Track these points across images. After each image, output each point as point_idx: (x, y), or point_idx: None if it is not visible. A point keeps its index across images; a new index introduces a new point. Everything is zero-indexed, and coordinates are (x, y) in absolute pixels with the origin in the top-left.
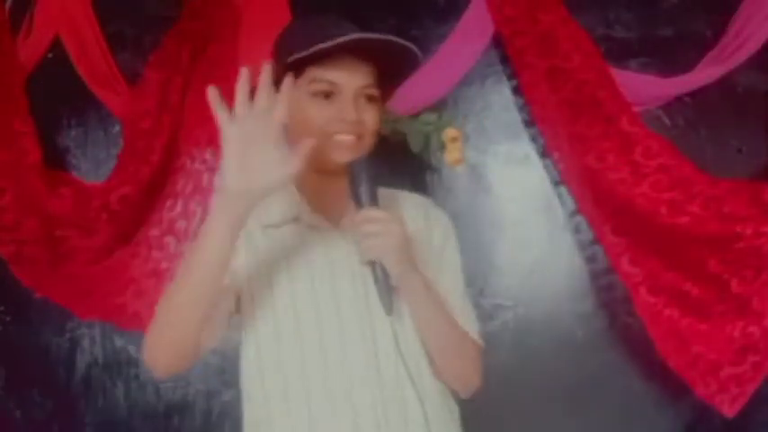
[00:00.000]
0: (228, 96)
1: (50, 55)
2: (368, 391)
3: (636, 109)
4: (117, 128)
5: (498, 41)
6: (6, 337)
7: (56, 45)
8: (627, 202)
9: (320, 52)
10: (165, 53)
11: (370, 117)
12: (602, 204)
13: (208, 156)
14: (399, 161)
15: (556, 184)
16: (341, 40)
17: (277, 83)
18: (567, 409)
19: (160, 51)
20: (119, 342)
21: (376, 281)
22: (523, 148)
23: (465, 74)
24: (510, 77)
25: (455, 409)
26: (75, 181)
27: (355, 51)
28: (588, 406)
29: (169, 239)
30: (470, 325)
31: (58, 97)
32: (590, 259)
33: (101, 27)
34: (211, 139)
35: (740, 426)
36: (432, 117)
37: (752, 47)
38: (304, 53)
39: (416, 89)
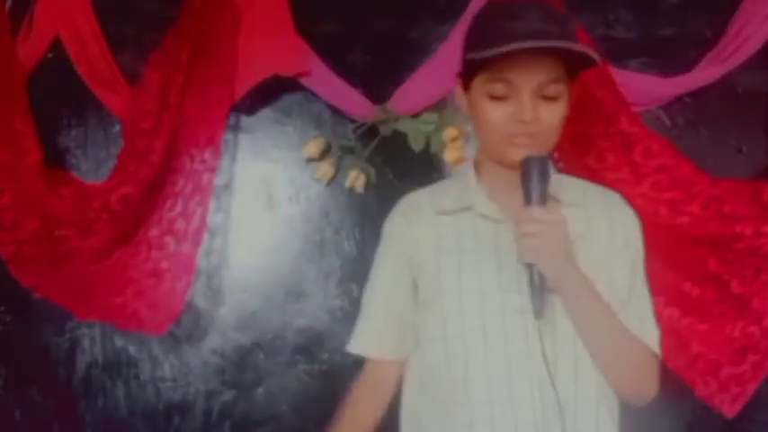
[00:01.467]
0: (229, 96)
1: (50, 55)
2: (526, 384)
3: (636, 109)
4: (117, 128)
5: None
6: (6, 337)
7: (56, 45)
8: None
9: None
10: (165, 53)
11: (549, 114)
12: None
13: (208, 156)
14: (399, 161)
15: None
16: (505, 48)
17: (464, 73)
18: None
19: (160, 51)
20: (119, 342)
21: (530, 283)
22: None
23: None
24: None
25: (610, 418)
26: (75, 181)
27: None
28: None
29: (169, 239)
30: (647, 331)
31: (58, 97)
32: None
33: (101, 27)
34: (211, 139)
35: (740, 426)
36: (432, 117)
37: (752, 47)
38: (474, 55)
39: (416, 89)
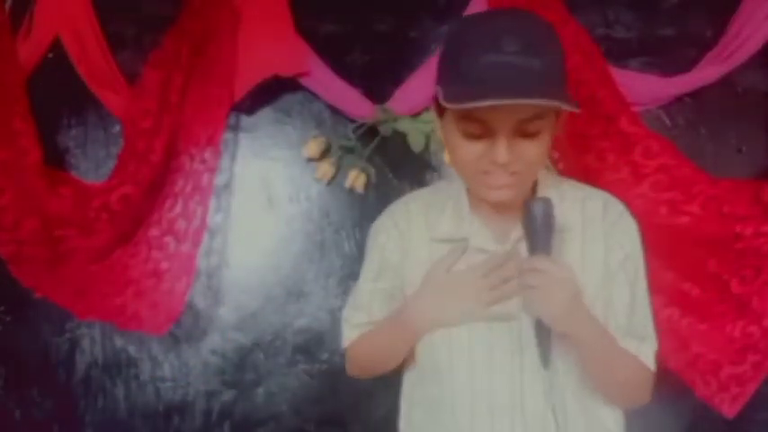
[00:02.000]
0: (228, 96)
1: (50, 55)
2: (508, 420)
3: (636, 109)
4: (117, 128)
5: None
6: (6, 337)
7: (56, 45)
8: (626, 201)
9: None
10: (164, 53)
11: (530, 152)
12: None
13: (208, 155)
14: (399, 161)
15: None
16: (478, 104)
17: (437, 101)
18: None
19: (160, 51)
20: (119, 342)
21: (536, 334)
22: None
23: None
24: None
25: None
26: (75, 181)
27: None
28: None
29: (169, 239)
30: (644, 347)
31: (58, 97)
32: None
33: (101, 27)
34: (211, 138)
35: (740, 426)
36: (432, 117)
37: (752, 47)
38: (446, 103)
39: (416, 89)
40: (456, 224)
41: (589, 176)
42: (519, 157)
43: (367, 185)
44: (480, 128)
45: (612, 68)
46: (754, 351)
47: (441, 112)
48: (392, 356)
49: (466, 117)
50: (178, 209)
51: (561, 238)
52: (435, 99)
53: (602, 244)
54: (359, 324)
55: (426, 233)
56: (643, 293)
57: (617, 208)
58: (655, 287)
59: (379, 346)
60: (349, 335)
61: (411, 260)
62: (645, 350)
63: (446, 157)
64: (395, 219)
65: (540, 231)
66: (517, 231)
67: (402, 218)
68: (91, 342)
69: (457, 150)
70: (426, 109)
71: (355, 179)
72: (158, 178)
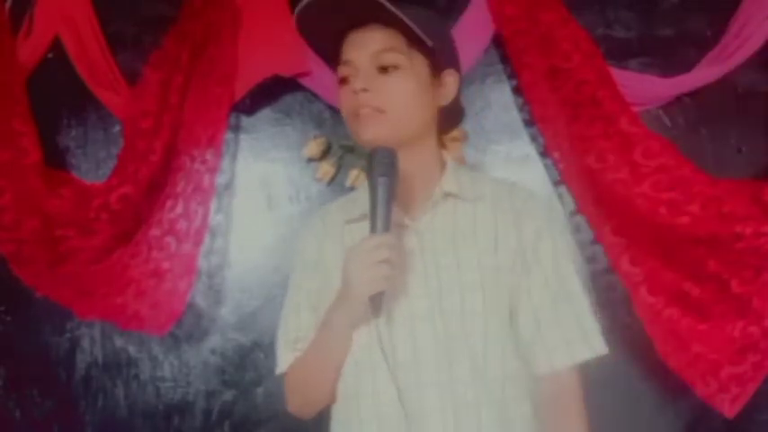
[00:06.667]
0: (229, 96)
1: (50, 55)
2: (434, 391)
3: (636, 109)
4: (117, 128)
5: (498, 41)
6: (6, 337)
7: (56, 45)
8: (627, 202)
9: (333, 35)
10: (164, 53)
11: (390, 85)
12: (602, 204)
13: (208, 156)
14: None
15: (556, 183)
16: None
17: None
18: None
19: (160, 51)
20: (119, 342)
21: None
22: (523, 148)
23: (465, 74)
24: (510, 77)
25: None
26: (75, 181)
27: (363, 22)
28: (587, 406)
29: (169, 240)
30: (586, 334)
31: (58, 97)
32: (590, 259)
33: (101, 27)
34: (212, 139)
35: (740, 426)
36: None
37: (752, 47)
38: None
39: None
40: (364, 202)
41: (589, 177)
42: (379, 91)
43: None
44: (348, 68)
45: (612, 68)
46: (754, 351)
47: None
48: (326, 371)
49: (339, 63)
50: (179, 209)
51: (468, 208)
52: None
53: (512, 226)
54: (293, 340)
55: (341, 219)
56: (572, 275)
57: (524, 192)
58: (655, 287)
59: (312, 362)
60: (284, 358)
61: (328, 249)
62: (587, 334)
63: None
64: (310, 224)
65: (381, 204)
66: (428, 215)
67: (317, 218)
68: (91, 342)
69: (341, 102)
70: None
71: (356, 179)
72: (158, 178)
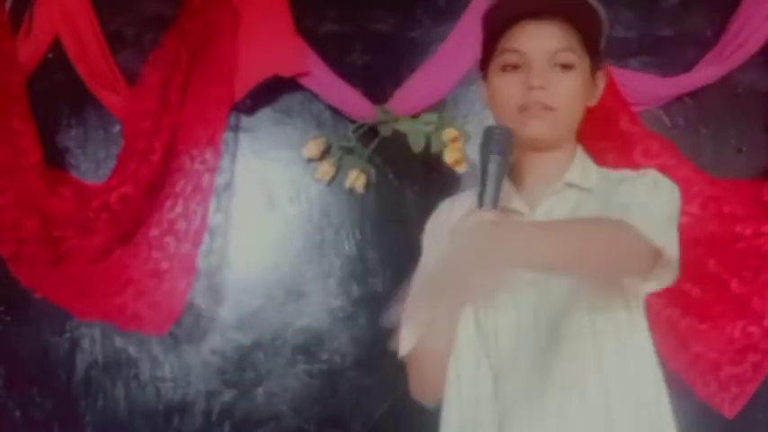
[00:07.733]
0: (228, 96)
1: (50, 55)
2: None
3: (636, 109)
4: (117, 128)
5: None
6: (6, 337)
7: (56, 45)
8: None
9: (506, 20)
10: (164, 53)
11: (564, 84)
12: None
13: (208, 156)
14: (399, 161)
15: None
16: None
17: (483, 59)
18: None
19: (160, 51)
20: (119, 342)
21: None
22: None
23: (465, 74)
24: None
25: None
26: (75, 181)
27: (542, 14)
28: None
29: (169, 240)
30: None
31: (58, 97)
32: None
33: (101, 27)
34: (212, 139)
35: (740, 426)
36: (432, 117)
37: (752, 47)
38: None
39: (416, 89)
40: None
41: None
42: (554, 89)
43: (367, 186)
44: (517, 57)
45: (612, 68)
46: (754, 351)
47: (485, 72)
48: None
49: (504, 51)
50: (179, 209)
51: (592, 208)
52: (480, 61)
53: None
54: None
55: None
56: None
57: (644, 185)
58: None
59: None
60: (407, 340)
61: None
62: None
63: (446, 157)
64: (436, 212)
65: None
66: (546, 204)
67: (444, 207)
68: (91, 342)
69: (497, 89)
70: (426, 109)
71: (355, 179)
72: (158, 178)
